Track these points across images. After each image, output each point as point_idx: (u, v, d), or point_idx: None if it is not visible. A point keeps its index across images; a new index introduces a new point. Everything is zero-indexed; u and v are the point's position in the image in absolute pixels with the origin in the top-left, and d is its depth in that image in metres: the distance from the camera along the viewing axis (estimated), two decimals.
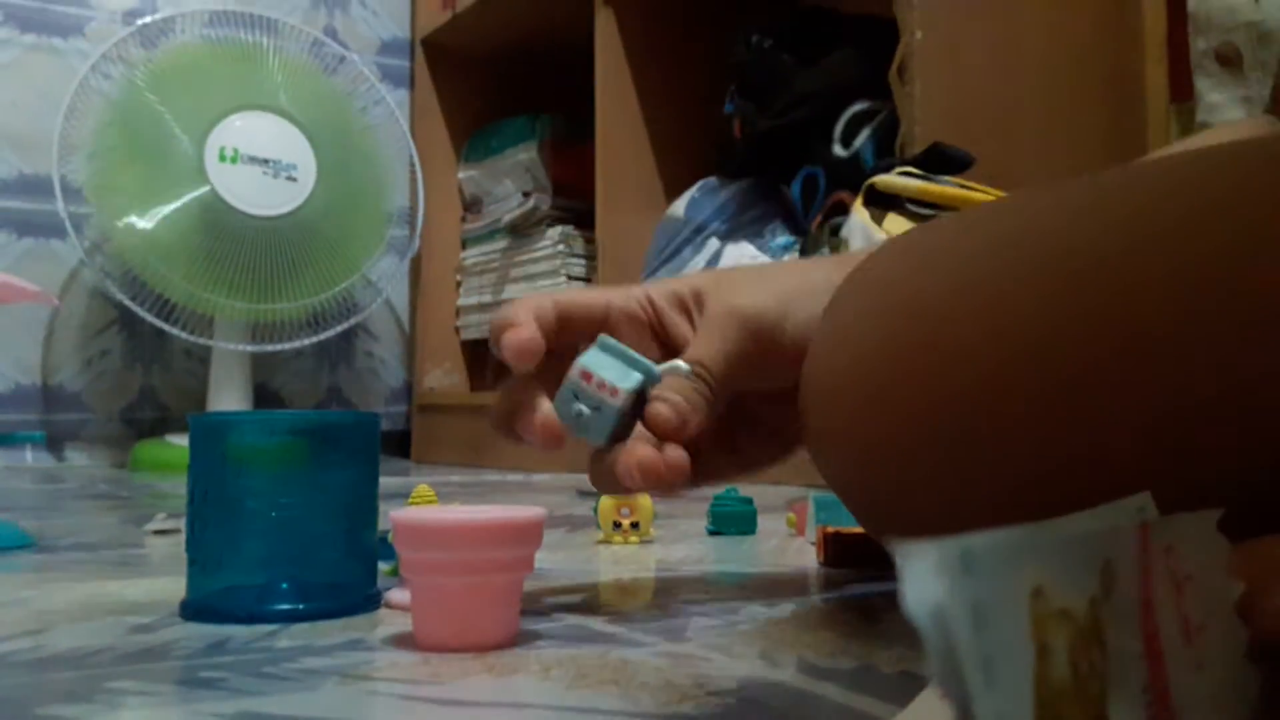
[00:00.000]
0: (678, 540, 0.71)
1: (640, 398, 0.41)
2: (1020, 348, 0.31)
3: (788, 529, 0.76)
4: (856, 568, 0.57)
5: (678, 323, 0.45)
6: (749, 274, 0.47)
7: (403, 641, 0.38)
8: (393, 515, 0.37)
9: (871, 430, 0.35)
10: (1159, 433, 0.30)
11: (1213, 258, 0.29)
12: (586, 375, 0.41)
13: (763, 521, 0.81)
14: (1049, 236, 0.33)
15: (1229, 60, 1.15)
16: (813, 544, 0.67)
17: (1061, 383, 0.31)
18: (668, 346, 0.46)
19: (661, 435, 0.41)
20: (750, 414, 0.47)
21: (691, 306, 0.45)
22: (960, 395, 0.32)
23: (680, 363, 0.42)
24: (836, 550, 0.58)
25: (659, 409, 0.41)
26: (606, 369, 0.41)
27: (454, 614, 0.37)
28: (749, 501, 0.76)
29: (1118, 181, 0.34)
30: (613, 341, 0.42)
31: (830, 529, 0.58)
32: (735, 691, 0.31)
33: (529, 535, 0.38)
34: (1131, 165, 0.36)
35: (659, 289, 0.46)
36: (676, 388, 0.41)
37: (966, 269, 0.34)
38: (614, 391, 0.40)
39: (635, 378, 0.41)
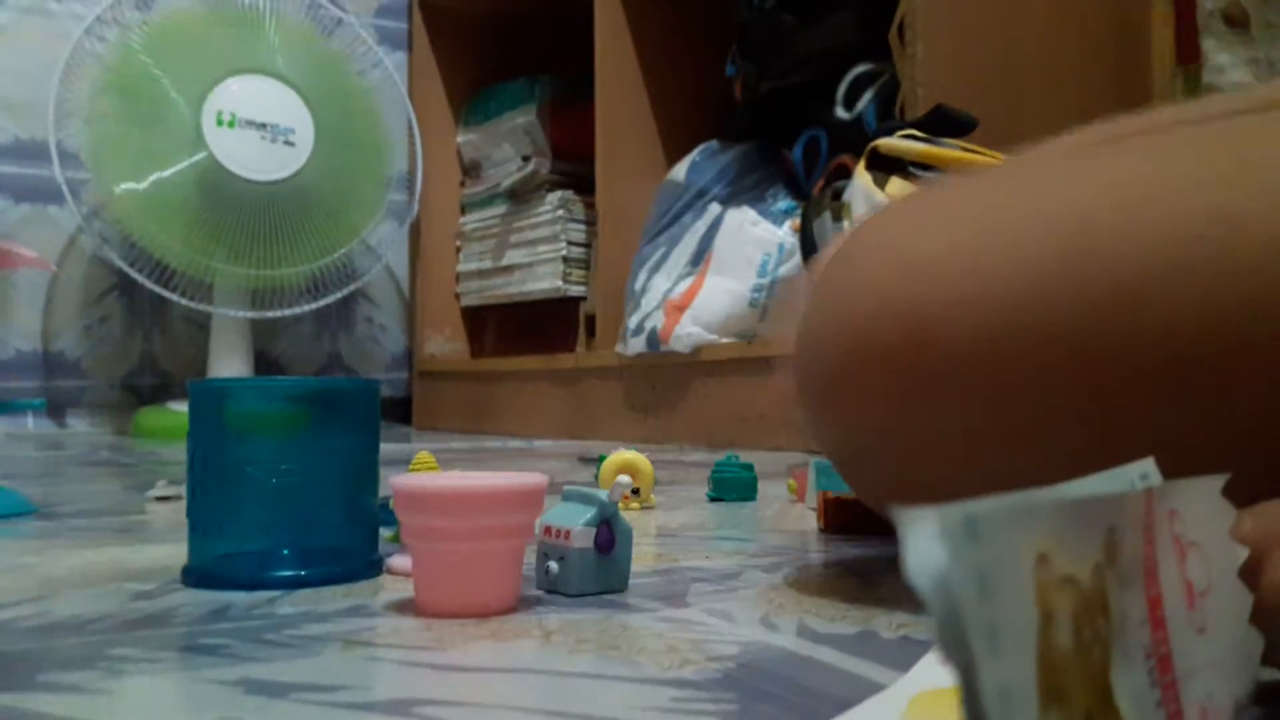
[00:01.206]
0: (678, 506, 0.71)
1: (607, 530, 0.41)
2: (1005, 300, 0.33)
3: (788, 495, 0.77)
4: (857, 533, 0.57)
5: None
6: None
7: (405, 607, 0.38)
8: (393, 481, 0.37)
9: (871, 381, 0.36)
10: (1141, 380, 0.31)
11: (1199, 226, 0.31)
12: (547, 530, 0.41)
13: (763, 487, 0.81)
14: (1035, 201, 0.35)
15: (1236, 21, 1.13)
16: (813, 509, 0.67)
17: (1049, 328, 0.32)
18: None
19: None
20: None
21: None
22: (954, 342, 0.34)
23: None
24: (837, 515, 0.58)
25: None
26: (562, 518, 0.41)
27: (454, 580, 0.37)
28: (750, 467, 0.76)
29: (1098, 155, 0.36)
30: (575, 489, 0.42)
31: (831, 494, 0.58)
32: (736, 656, 0.31)
33: (529, 501, 0.37)
34: (1103, 136, 0.37)
35: None
36: None
37: (958, 232, 0.35)
38: (567, 534, 0.40)
39: (587, 514, 0.40)
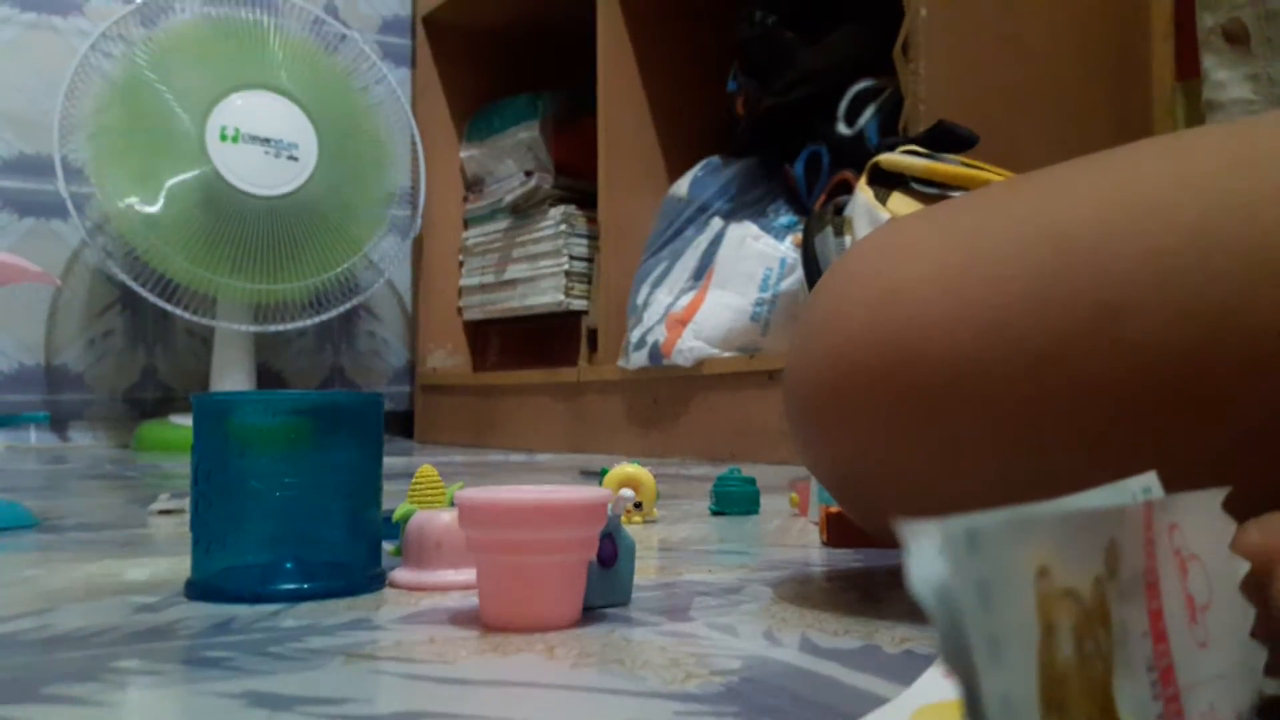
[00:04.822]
0: (681, 520, 0.71)
1: (609, 544, 0.41)
2: (990, 322, 0.34)
3: (790, 509, 0.77)
4: (859, 546, 0.57)
5: None
6: None
7: (408, 620, 0.38)
8: (459, 496, 0.37)
9: (859, 407, 0.37)
10: (1125, 395, 0.32)
11: (1176, 241, 0.32)
12: None
13: (765, 501, 0.81)
14: (1014, 222, 0.35)
15: (1236, 37, 1.14)
16: (815, 524, 0.67)
17: (1031, 348, 0.33)
18: None
19: None
20: None
21: None
22: (938, 366, 0.35)
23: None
24: (839, 529, 0.58)
25: None
26: None
27: (528, 594, 0.37)
28: (752, 481, 0.76)
29: (1073, 176, 0.36)
30: None
31: (833, 509, 0.58)
32: (739, 670, 0.31)
33: (598, 514, 0.37)
34: (1081, 160, 0.38)
35: None
36: None
37: (939, 258, 0.36)
38: None
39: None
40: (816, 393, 0.39)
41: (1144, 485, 0.25)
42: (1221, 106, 1.14)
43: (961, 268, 0.35)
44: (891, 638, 0.35)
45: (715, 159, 1.56)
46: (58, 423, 1.88)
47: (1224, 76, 1.13)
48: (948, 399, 0.34)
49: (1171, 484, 0.24)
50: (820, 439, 0.40)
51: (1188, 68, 1.30)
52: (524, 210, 1.94)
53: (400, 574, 0.45)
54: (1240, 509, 0.25)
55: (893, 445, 0.36)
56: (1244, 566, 0.25)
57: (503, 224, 1.98)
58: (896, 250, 0.38)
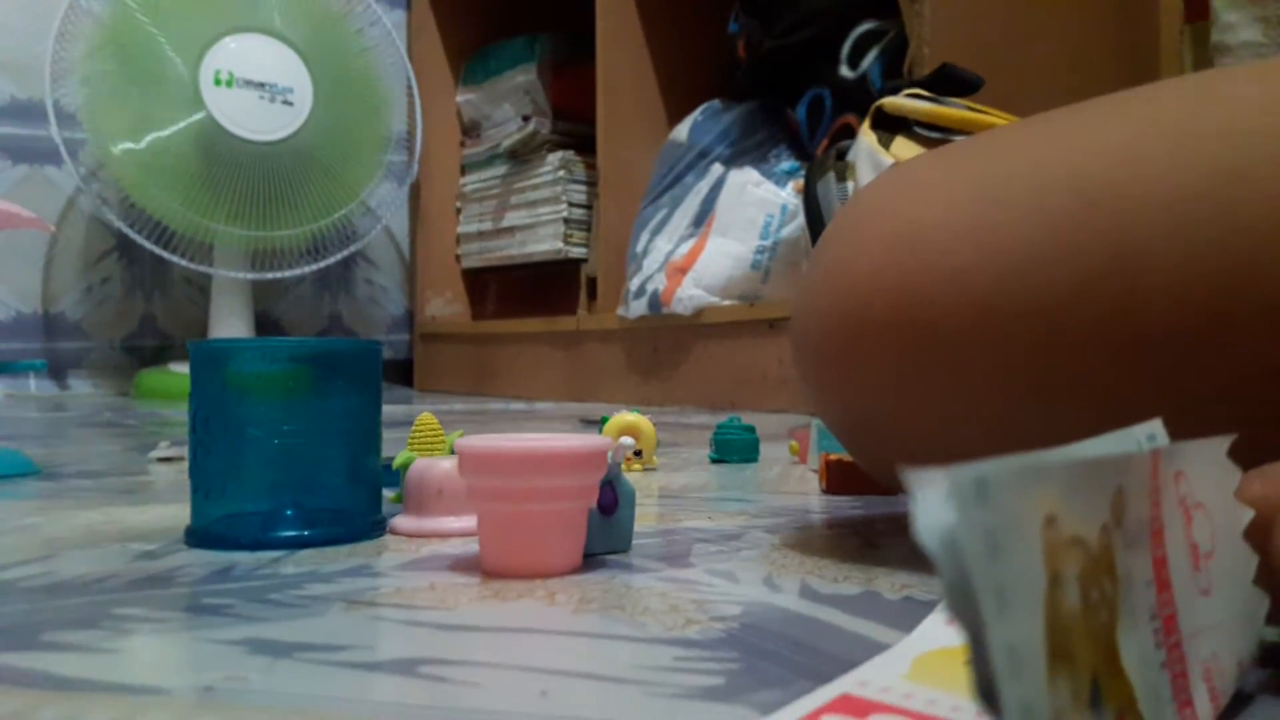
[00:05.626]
0: (681, 468, 0.71)
1: (610, 491, 0.41)
2: (1006, 268, 0.33)
3: (790, 456, 0.77)
4: (858, 494, 0.57)
5: None
6: None
7: (408, 567, 0.38)
8: (459, 443, 0.37)
9: (870, 351, 0.36)
10: (1143, 342, 0.31)
11: (1201, 183, 0.31)
12: None
13: (765, 449, 0.81)
14: (1032, 165, 0.34)
15: None
16: (815, 471, 0.67)
17: (1047, 295, 0.32)
18: None
19: None
20: None
21: None
22: (953, 312, 0.34)
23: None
24: (839, 477, 0.58)
25: None
26: None
27: (529, 541, 0.37)
28: (751, 429, 0.76)
29: (1091, 118, 0.35)
30: None
31: (833, 456, 0.58)
32: (739, 616, 0.31)
33: (598, 462, 0.37)
34: (1097, 101, 0.36)
35: None
36: None
37: (952, 202, 0.35)
38: None
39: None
40: (826, 338, 0.38)
41: (1149, 432, 0.24)
42: (1230, 49, 1.12)
43: (976, 212, 0.34)
44: (891, 584, 0.36)
45: (716, 103, 1.54)
46: (57, 371, 1.88)
47: (1234, 18, 1.12)
48: (960, 345, 0.34)
49: (1182, 433, 0.24)
50: (829, 385, 0.39)
51: (1196, 9, 1.28)
52: (522, 156, 1.92)
53: (401, 521, 0.45)
54: (1245, 458, 0.25)
55: (903, 392, 0.36)
56: (1248, 514, 0.25)
57: (500, 170, 1.96)
58: (908, 193, 0.37)
